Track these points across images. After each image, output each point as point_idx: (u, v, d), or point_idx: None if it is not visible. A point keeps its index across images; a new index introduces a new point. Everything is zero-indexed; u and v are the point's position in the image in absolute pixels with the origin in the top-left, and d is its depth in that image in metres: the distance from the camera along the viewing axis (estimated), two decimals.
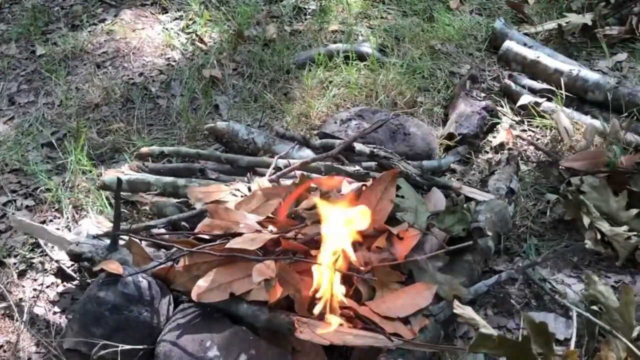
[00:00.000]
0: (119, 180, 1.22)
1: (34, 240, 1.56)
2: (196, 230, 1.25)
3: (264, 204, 1.31)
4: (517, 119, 2.00)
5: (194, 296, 1.13)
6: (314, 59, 2.24)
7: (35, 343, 1.30)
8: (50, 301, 1.41)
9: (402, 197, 1.34)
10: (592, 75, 1.99)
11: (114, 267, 1.19)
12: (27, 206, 1.72)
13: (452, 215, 1.26)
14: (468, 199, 1.45)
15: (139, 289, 1.17)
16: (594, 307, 1.28)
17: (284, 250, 1.20)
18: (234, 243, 1.18)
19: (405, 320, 1.12)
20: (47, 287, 1.45)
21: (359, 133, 1.47)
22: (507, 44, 2.21)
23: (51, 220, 1.66)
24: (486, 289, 1.26)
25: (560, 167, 1.68)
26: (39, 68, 2.40)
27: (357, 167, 1.50)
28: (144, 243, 1.33)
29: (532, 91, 2.06)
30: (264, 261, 1.15)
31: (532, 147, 1.85)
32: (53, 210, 1.69)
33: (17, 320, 1.35)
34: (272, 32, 2.50)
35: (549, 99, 1.98)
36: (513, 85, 2.09)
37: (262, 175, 1.51)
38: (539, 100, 1.97)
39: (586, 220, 1.46)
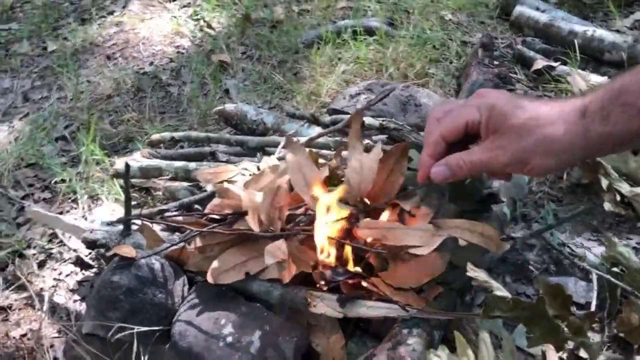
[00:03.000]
0: (127, 165, 1.22)
1: (52, 231, 1.58)
2: (206, 211, 1.25)
3: (273, 181, 1.29)
4: (532, 84, 1.96)
5: (209, 278, 1.12)
6: (322, 37, 2.22)
7: (57, 330, 1.32)
8: (69, 289, 1.43)
9: (415, 169, 1.32)
10: (608, 35, 1.93)
11: (127, 250, 1.19)
12: (44, 199, 1.74)
13: (463, 187, 1.23)
14: None
15: (152, 271, 1.18)
16: (615, 269, 1.25)
17: (294, 227, 1.19)
18: (243, 223, 1.17)
19: (419, 290, 1.11)
20: (67, 276, 1.47)
21: (365, 105, 1.45)
22: (519, 8, 2.16)
23: (68, 211, 1.68)
24: (500, 254, 1.24)
25: None
26: (51, 64, 2.43)
27: (367, 141, 1.48)
28: (157, 227, 1.33)
29: (546, 55, 2.01)
30: (274, 242, 1.14)
31: None
32: (69, 201, 1.71)
33: (38, 310, 1.37)
34: (280, 13, 2.48)
35: (564, 62, 1.93)
36: (526, 50, 2.04)
37: (272, 154, 1.50)
38: (553, 64, 1.92)
39: (604, 182, 1.42)
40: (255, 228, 1.15)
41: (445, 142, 0.85)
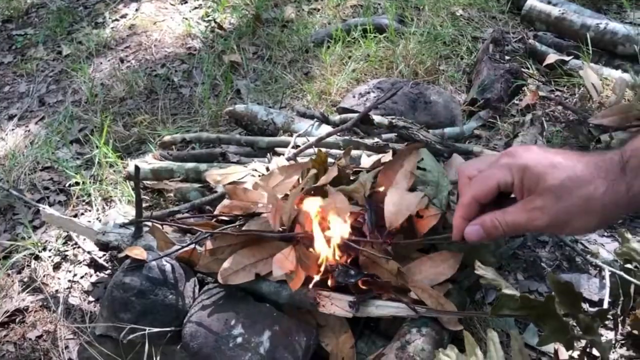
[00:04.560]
0: (137, 168, 1.23)
1: (67, 233, 1.60)
2: (216, 212, 1.26)
3: (282, 182, 1.30)
4: (544, 79, 1.94)
5: (220, 279, 1.13)
6: (332, 36, 2.22)
7: (72, 332, 1.34)
8: (84, 291, 1.45)
9: (424, 169, 1.31)
10: (621, 28, 1.91)
11: (138, 252, 1.21)
12: (59, 201, 1.77)
13: None
14: None
15: (163, 273, 1.19)
16: (629, 266, 1.23)
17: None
18: (252, 224, 1.18)
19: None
20: (81, 277, 1.49)
21: (373, 104, 1.44)
22: (530, 2, 2.14)
23: (82, 214, 1.70)
24: (511, 252, 1.23)
25: (589, 124, 1.61)
26: (66, 68, 2.46)
27: (376, 139, 1.48)
28: (169, 228, 1.35)
29: (559, 50, 1.99)
30: (282, 243, 1.14)
31: (560, 107, 1.79)
32: (84, 203, 1.73)
33: (53, 311, 1.39)
34: (290, 13, 2.49)
35: (576, 57, 1.91)
36: (538, 45, 2.02)
37: (282, 155, 1.50)
38: (566, 58, 1.90)
39: None
40: (276, 227, 1.14)
41: (478, 203, 0.84)
